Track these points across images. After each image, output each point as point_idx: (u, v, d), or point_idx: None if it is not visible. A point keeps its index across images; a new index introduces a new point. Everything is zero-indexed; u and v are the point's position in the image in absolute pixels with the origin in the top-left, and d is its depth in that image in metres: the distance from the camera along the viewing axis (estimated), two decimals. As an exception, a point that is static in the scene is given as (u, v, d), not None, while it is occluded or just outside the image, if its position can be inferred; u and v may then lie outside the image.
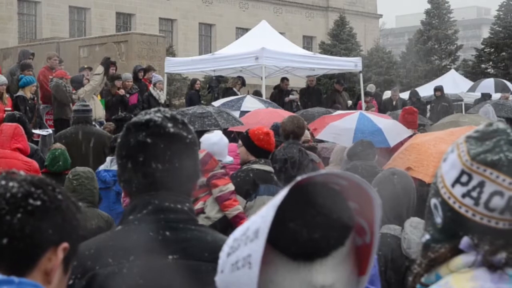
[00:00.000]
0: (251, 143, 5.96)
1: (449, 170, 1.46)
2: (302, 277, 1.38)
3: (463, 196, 1.42)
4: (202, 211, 5.76)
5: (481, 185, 1.40)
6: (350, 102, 18.18)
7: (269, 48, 15.09)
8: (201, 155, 5.70)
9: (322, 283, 1.37)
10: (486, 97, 18.37)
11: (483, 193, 1.40)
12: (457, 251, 1.41)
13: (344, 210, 1.40)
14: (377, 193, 1.40)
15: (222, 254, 1.40)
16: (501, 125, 1.46)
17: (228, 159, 6.19)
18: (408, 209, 3.99)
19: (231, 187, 5.75)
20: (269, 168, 5.93)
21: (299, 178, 1.37)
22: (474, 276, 1.37)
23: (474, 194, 1.41)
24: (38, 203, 1.46)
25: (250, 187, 5.81)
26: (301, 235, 1.36)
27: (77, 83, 12.41)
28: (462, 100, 22.13)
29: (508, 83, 20.52)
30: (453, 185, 1.44)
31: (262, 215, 1.33)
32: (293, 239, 1.36)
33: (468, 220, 1.42)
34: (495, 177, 1.39)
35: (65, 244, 1.48)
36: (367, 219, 1.42)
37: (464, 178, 1.42)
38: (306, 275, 1.38)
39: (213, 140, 6.05)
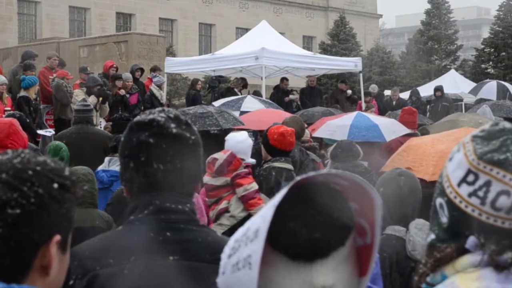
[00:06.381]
0: (267, 142, 6.07)
1: (455, 169, 1.45)
2: (303, 277, 1.37)
3: (470, 195, 1.41)
4: (226, 210, 5.81)
5: (487, 184, 1.39)
6: (350, 91, 17.95)
7: (269, 48, 15.08)
8: (225, 155, 5.79)
9: (322, 284, 1.37)
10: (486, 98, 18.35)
11: (490, 192, 1.39)
12: (463, 251, 1.41)
13: (344, 210, 1.39)
14: (377, 193, 1.40)
15: (224, 256, 1.39)
16: (508, 124, 1.46)
17: (251, 160, 6.22)
18: (414, 210, 3.97)
19: (255, 186, 5.82)
20: (289, 166, 6.06)
21: (299, 177, 1.37)
22: (480, 276, 1.36)
23: (481, 193, 1.40)
24: (18, 211, 1.33)
25: (274, 185, 5.91)
26: (301, 234, 1.35)
27: (88, 87, 12.44)
28: (462, 100, 22.13)
29: (509, 86, 20.46)
30: (459, 185, 1.43)
31: (262, 215, 1.33)
32: (293, 238, 1.36)
33: (474, 219, 1.41)
34: (502, 176, 1.38)
35: (57, 237, 1.39)
36: (368, 219, 1.42)
37: (471, 178, 1.42)
38: (306, 275, 1.37)
39: (239, 139, 6.10)
